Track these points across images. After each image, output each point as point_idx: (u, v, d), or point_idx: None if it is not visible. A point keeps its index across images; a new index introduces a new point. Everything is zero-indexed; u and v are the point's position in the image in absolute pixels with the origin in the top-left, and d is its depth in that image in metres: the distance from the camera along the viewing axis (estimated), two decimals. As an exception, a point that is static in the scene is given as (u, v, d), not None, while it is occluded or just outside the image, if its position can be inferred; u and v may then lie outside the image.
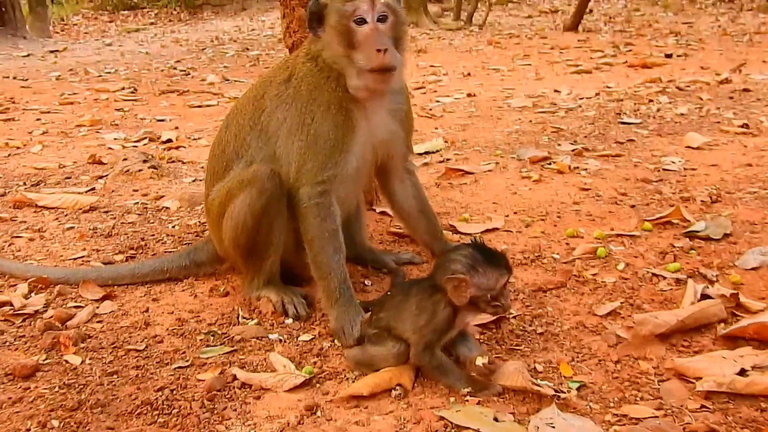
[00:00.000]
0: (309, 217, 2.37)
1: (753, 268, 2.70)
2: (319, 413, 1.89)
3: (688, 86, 6.72)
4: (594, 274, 2.74)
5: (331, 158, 2.36)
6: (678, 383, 2.00)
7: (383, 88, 2.37)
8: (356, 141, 2.39)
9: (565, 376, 2.05)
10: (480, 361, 2.00)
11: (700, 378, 1.98)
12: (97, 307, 2.54)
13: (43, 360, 2.18)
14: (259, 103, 2.54)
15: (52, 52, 12.72)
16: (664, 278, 2.68)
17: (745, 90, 6.32)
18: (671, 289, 2.59)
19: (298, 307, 2.45)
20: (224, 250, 2.64)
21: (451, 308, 2.00)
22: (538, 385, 1.94)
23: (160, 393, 1.98)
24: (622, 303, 2.49)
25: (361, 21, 2.30)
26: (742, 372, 2.00)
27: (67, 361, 2.17)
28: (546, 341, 2.26)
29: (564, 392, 1.93)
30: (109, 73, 9.73)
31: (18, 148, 5.39)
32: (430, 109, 6.19)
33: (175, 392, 1.99)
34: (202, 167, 4.62)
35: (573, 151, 4.49)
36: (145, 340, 2.30)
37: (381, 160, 2.61)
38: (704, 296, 2.44)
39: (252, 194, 2.40)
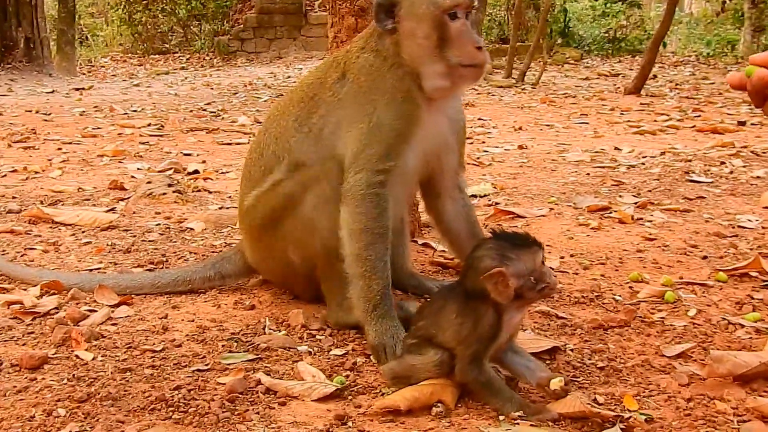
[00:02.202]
0: (364, 205, 2.35)
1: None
2: (350, 424, 1.87)
3: (765, 152, 6.69)
4: (661, 318, 2.69)
5: (394, 148, 2.38)
6: (761, 425, 1.93)
7: (472, 81, 2.48)
8: (418, 137, 2.43)
9: (629, 410, 1.99)
10: (556, 384, 1.95)
11: (787, 420, 1.91)
12: (113, 311, 2.57)
13: (53, 353, 2.20)
14: (309, 105, 2.57)
15: (77, 89, 13.23)
16: (742, 326, 2.62)
17: (829, 157, 6.27)
18: (750, 338, 2.53)
19: None
20: (266, 262, 2.66)
21: (494, 310, 1.97)
22: (599, 410, 1.89)
23: (176, 392, 1.98)
24: (694, 346, 2.44)
25: (454, 15, 2.37)
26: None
27: (77, 356, 2.19)
28: (607, 376, 2.21)
29: (628, 417, 1.88)
30: (135, 111, 10.06)
31: (36, 172, 5.57)
32: (478, 158, 6.26)
33: (192, 392, 1.98)
34: (230, 197, 4.71)
35: (636, 203, 4.48)
36: (163, 343, 2.31)
37: (430, 172, 2.63)
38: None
39: (318, 193, 2.43)
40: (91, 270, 3.11)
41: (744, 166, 5.93)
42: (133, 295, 2.75)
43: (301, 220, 2.48)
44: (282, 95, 12.05)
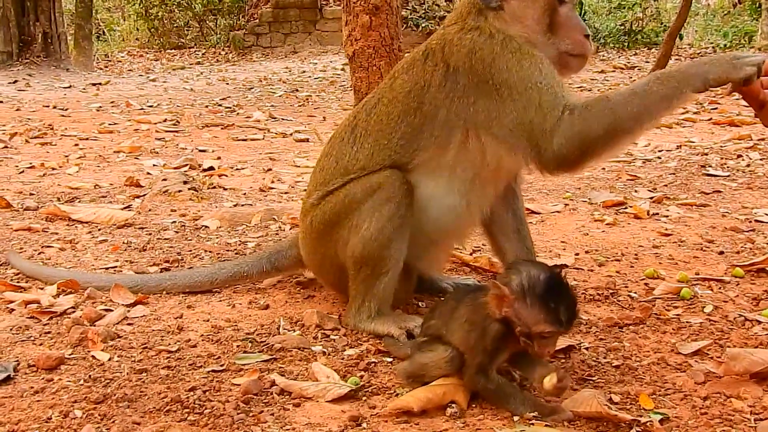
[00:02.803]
0: (593, 123, 2.18)
1: None
2: (364, 425, 1.86)
3: (783, 145, 6.61)
4: (677, 315, 2.67)
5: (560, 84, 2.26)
6: (778, 424, 1.90)
7: (577, 72, 2.44)
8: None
9: (645, 409, 1.97)
10: (548, 382, 1.93)
11: (805, 419, 1.88)
12: (129, 311, 2.58)
13: (69, 354, 2.21)
14: (411, 115, 2.41)
15: (94, 84, 13.30)
16: (759, 323, 2.59)
17: None
18: (767, 334, 2.50)
19: None
20: (317, 261, 2.64)
21: (501, 324, 1.93)
22: (615, 412, 1.87)
23: (191, 393, 1.98)
24: (710, 344, 2.41)
25: (563, 0, 2.34)
26: None
27: (94, 357, 2.20)
28: (623, 374, 2.19)
29: (645, 420, 1.86)
30: (151, 106, 10.10)
31: (53, 169, 5.60)
32: (493, 153, 6.22)
33: (207, 393, 1.99)
34: (245, 194, 4.72)
35: (652, 198, 4.44)
36: (178, 343, 2.32)
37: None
38: (806, 342, 2.35)
39: (379, 200, 2.35)
40: (107, 269, 3.12)
41: (761, 159, 5.86)
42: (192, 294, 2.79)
43: (355, 222, 2.42)
44: (297, 90, 12.07)
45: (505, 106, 2.27)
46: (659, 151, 6.34)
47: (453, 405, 1.94)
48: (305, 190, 2.96)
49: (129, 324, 2.49)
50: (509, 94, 2.26)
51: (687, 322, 2.59)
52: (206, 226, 3.78)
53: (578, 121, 2.20)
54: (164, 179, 4.57)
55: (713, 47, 18.77)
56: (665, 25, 18.29)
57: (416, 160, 2.42)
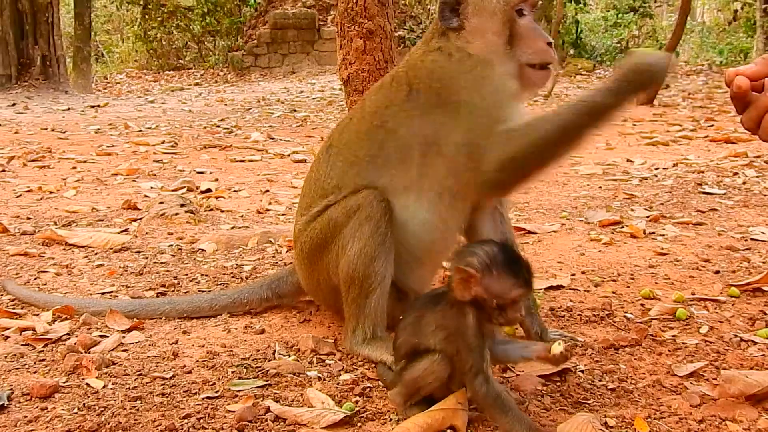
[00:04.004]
0: (523, 146, 2.22)
1: None
2: (359, 452, 1.85)
3: (779, 161, 6.63)
4: (673, 336, 2.66)
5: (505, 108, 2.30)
6: (773, 448, 1.90)
7: (541, 86, 2.40)
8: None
9: (640, 433, 1.97)
10: (556, 349, 1.91)
11: (800, 443, 1.88)
12: (124, 337, 2.57)
13: (63, 382, 2.21)
14: (375, 132, 2.49)
15: (92, 107, 13.36)
16: (755, 343, 2.59)
17: (844, 166, 6.20)
18: (763, 355, 2.49)
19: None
20: (314, 286, 2.67)
21: (473, 310, 1.95)
22: (610, 437, 1.87)
23: (186, 420, 1.97)
24: (705, 365, 2.41)
25: (521, 12, 2.36)
26: None
27: (88, 384, 2.19)
28: (618, 397, 2.19)
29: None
30: (149, 128, 10.14)
31: (51, 192, 5.62)
32: (490, 172, 6.24)
33: (202, 420, 1.98)
34: (242, 216, 4.73)
35: (648, 217, 4.45)
36: (173, 369, 2.31)
37: None
38: (802, 362, 2.35)
39: (359, 221, 2.38)
40: (103, 293, 3.12)
41: (757, 177, 5.88)
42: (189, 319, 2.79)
43: (340, 244, 2.46)
44: (295, 110, 12.12)
45: (455, 125, 2.33)
46: (655, 169, 6.36)
47: (451, 430, 1.93)
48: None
49: (124, 350, 2.48)
50: (459, 113, 2.33)
51: (683, 343, 2.59)
52: (203, 250, 3.79)
53: (510, 145, 2.24)
54: (161, 202, 4.58)
55: (709, 64, 18.90)
56: (661, 43, 18.45)
57: (385, 177, 2.46)
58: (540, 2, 2.42)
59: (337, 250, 2.46)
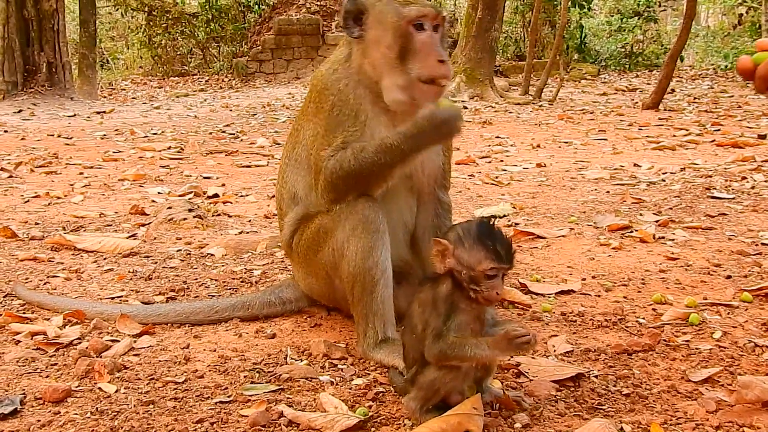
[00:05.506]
0: (345, 170, 2.44)
1: None
2: (374, 457, 1.84)
3: (787, 166, 6.61)
4: (686, 341, 2.65)
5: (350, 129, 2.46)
6: (791, 454, 1.88)
7: (433, 101, 2.39)
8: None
9: (657, 439, 1.95)
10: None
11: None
12: (135, 341, 2.57)
13: (76, 386, 2.20)
14: (293, 136, 2.73)
15: (98, 113, 13.38)
16: (769, 349, 2.57)
17: None
18: (778, 360, 2.48)
19: None
20: (318, 289, 2.73)
21: (446, 285, 1.98)
22: (627, 442, 1.85)
23: (199, 425, 1.97)
24: (720, 371, 2.39)
25: (420, 27, 2.37)
26: None
27: (100, 389, 2.19)
28: (633, 403, 2.17)
29: (657, 450, 1.84)
30: (155, 134, 10.15)
31: (58, 197, 5.62)
32: (497, 177, 6.24)
33: (215, 425, 1.97)
34: (250, 221, 4.73)
35: (657, 221, 4.43)
36: (185, 374, 2.31)
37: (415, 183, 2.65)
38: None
39: (351, 222, 2.43)
40: (112, 298, 3.12)
41: (766, 181, 5.86)
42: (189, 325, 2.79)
43: (336, 247, 2.50)
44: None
45: (313, 141, 2.54)
46: (663, 173, 6.34)
47: (465, 436, 1.92)
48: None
49: (135, 355, 2.48)
50: (316, 130, 2.52)
51: (696, 348, 2.57)
52: (212, 254, 3.79)
53: (334, 168, 2.43)
54: (169, 207, 4.58)
55: (714, 68, 18.88)
56: (666, 47, 18.44)
57: (299, 179, 2.71)
58: (445, 17, 2.43)
59: (334, 253, 2.49)
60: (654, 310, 2.97)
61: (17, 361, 2.41)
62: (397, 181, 2.50)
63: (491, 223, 2.01)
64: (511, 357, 2.30)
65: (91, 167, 7.27)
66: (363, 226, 2.41)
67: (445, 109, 2.35)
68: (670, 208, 4.86)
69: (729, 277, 3.38)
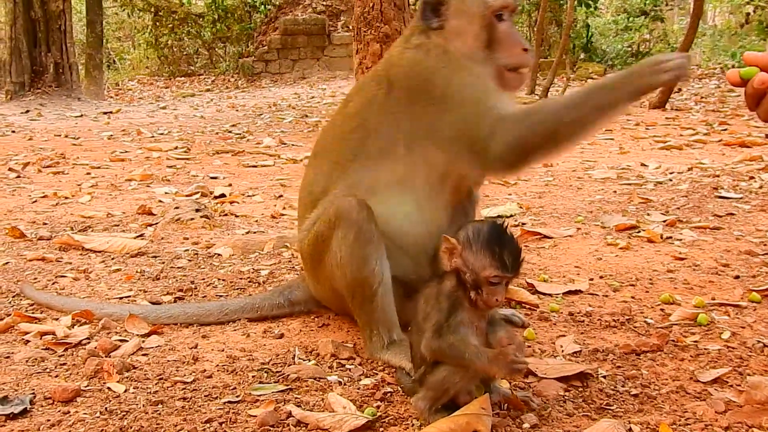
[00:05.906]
0: (532, 129, 2.26)
1: None
2: (382, 457, 1.85)
3: (795, 165, 6.58)
4: (695, 341, 2.64)
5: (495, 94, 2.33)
6: (801, 455, 1.88)
7: (516, 88, 2.42)
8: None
9: (666, 439, 1.95)
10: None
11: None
12: (143, 341, 2.58)
13: (85, 386, 2.21)
14: (358, 132, 2.52)
15: (105, 113, 13.44)
16: (778, 349, 2.56)
17: None
18: (787, 361, 2.47)
19: None
20: (325, 295, 2.71)
21: (450, 282, 1.98)
22: (636, 442, 1.85)
23: (208, 425, 1.97)
24: (729, 371, 2.38)
25: (501, 17, 2.39)
26: None
27: (109, 389, 2.20)
28: (642, 403, 2.17)
29: (666, 450, 1.84)
30: (162, 134, 10.19)
31: (66, 198, 5.64)
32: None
33: (224, 425, 1.98)
34: (257, 221, 4.73)
35: (665, 221, 4.42)
36: (193, 374, 2.31)
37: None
38: (827, 367, 2.32)
39: (343, 230, 2.38)
40: (120, 298, 3.13)
41: (774, 181, 5.84)
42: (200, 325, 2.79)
43: (331, 256, 2.47)
44: (306, 116, 12.13)
45: (444, 118, 2.36)
46: (670, 173, 6.33)
47: (473, 436, 1.92)
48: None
49: (144, 354, 2.48)
50: (446, 106, 2.36)
51: (705, 348, 2.57)
52: (219, 254, 3.79)
53: (516, 127, 2.27)
54: (176, 207, 4.59)
55: (721, 67, 18.81)
56: (672, 47, 18.37)
57: (369, 176, 2.49)
58: (519, 8, 2.42)
59: (330, 261, 2.47)
60: (662, 310, 2.97)
61: (26, 361, 2.42)
62: (437, 182, 2.47)
63: (504, 227, 1.99)
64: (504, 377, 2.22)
65: (99, 167, 7.30)
66: (355, 235, 2.38)
67: (670, 53, 2.28)
68: (678, 208, 4.84)
69: (737, 277, 3.37)
